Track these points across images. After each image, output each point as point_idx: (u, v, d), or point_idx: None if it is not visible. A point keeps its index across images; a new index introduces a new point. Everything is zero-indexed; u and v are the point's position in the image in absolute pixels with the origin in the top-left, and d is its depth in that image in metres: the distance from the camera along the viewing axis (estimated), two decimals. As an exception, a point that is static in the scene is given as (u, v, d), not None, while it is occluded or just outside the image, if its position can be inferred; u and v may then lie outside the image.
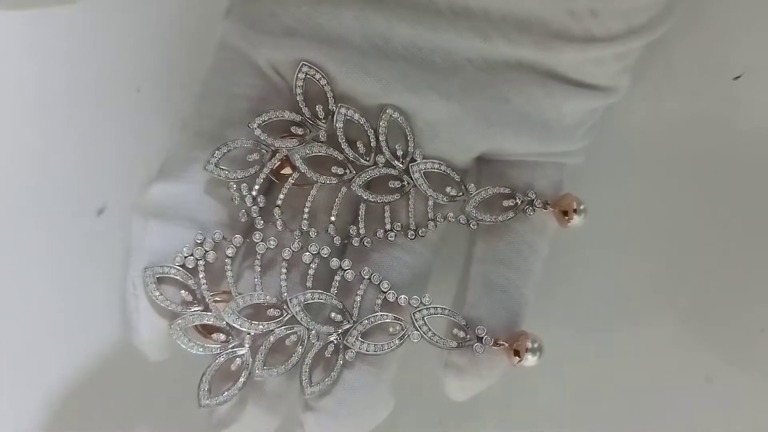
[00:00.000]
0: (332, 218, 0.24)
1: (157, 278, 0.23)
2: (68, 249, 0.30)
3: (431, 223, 0.24)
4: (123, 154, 0.30)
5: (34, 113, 0.31)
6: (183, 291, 0.23)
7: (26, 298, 0.30)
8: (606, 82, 0.24)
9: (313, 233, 0.24)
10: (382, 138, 0.23)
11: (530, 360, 0.23)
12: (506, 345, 0.23)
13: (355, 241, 0.24)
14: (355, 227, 0.24)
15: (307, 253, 0.23)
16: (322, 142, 0.24)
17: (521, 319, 0.24)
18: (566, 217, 0.24)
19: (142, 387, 0.29)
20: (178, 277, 0.23)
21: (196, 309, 0.23)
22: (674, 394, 0.28)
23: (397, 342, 0.23)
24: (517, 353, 0.23)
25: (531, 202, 0.24)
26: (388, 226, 0.24)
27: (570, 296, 0.28)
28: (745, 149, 0.29)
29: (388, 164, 0.24)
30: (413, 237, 0.24)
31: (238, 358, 0.23)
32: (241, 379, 0.23)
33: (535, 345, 0.23)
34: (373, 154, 0.24)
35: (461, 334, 0.23)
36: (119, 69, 0.31)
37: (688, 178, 0.28)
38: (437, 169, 0.24)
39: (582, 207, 0.24)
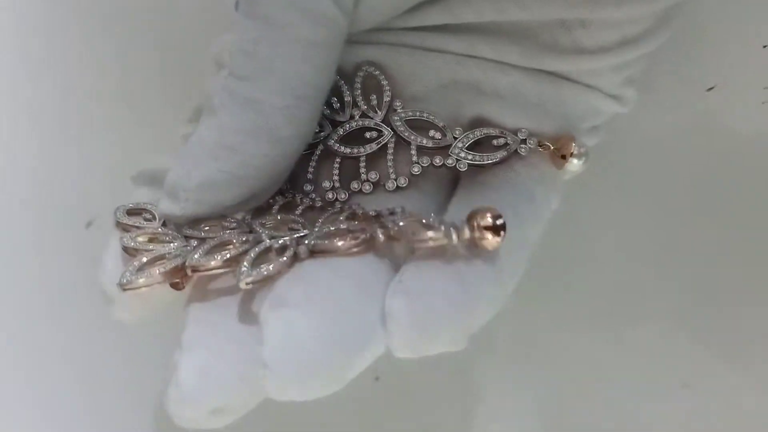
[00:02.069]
0: (308, 176, 0.23)
1: (127, 211, 0.22)
2: (57, 262, 0.30)
3: (416, 166, 0.22)
4: (112, 166, 0.30)
5: (22, 126, 0.31)
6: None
7: (15, 310, 0.30)
8: (608, 91, 0.23)
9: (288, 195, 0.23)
10: (357, 92, 0.23)
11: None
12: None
13: (330, 195, 0.23)
14: (329, 182, 0.23)
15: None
16: None
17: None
18: (564, 160, 0.22)
19: (138, 399, 0.29)
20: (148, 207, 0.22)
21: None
22: (653, 397, 0.29)
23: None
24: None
25: (524, 141, 0.22)
26: (363, 177, 0.23)
27: (559, 297, 0.29)
28: (721, 158, 0.29)
29: (364, 116, 0.23)
30: (392, 188, 0.23)
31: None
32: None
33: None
34: (348, 109, 0.23)
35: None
36: (110, 83, 0.31)
37: (665, 191, 0.29)
38: (419, 116, 0.23)
39: (582, 150, 0.22)
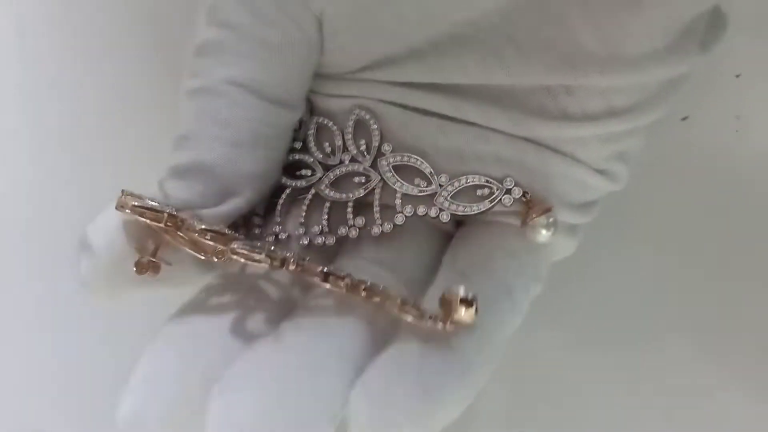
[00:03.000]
0: (301, 220, 0.23)
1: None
2: (55, 301, 0.30)
3: (399, 216, 0.22)
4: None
5: (18, 165, 0.32)
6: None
7: (14, 351, 0.31)
8: (595, 165, 0.22)
9: (282, 235, 0.23)
10: (348, 136, 0.23)
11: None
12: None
13: (319, 240, 0.23)
14: (317, 226, 0.23)
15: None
16: (294, 148, 0.24)
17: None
18: (524, 225, 0.22)
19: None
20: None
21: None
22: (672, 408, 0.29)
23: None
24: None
25: (508, 191, 0.22)
26: (350, 222, 0.23)
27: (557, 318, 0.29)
28: (695, 186, 0.30)
29: (353, 160, 0.23)
30: (377, 234, 0.23)
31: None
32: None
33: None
34: (339, 153, 0.23)
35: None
36: (105, 120, 0.31)
37: (640, 219, 0.30)
38: (407, 162, 0.23)
39: (551, 220, 0.22)
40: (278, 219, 0.23)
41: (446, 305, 0.19)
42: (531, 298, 0.22)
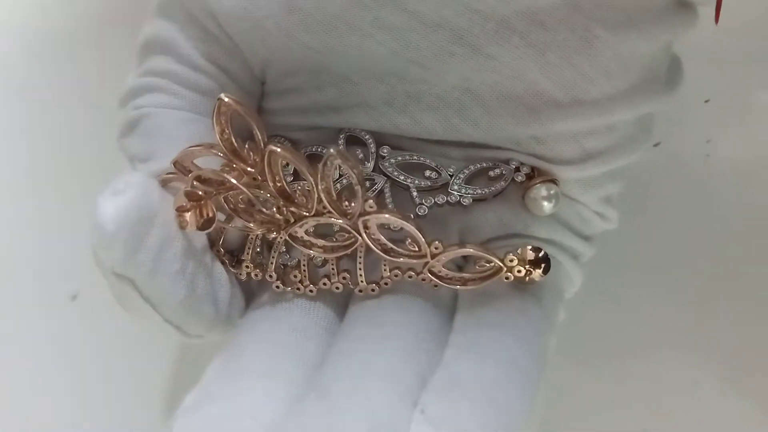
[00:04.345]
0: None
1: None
2: (42, 335, 0.30)
3: (421, 208, 0.21)
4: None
5: (4, 197, 0.32)
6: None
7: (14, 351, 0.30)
8: (592, 207, 0.23)
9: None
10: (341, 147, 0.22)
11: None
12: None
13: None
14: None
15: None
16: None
17: None
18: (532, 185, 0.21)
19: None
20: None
21: None
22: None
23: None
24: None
25: (517, 169, 0.22)
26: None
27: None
28: (668, 211, 0.31)
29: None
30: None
31: None
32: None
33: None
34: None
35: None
36: (89, 153, 0.32)
37: (616, 244, 0.30)
38: (409, 159, 0.22)
39: (552, 192, 0.21)
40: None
41: (520, 263, 0.20)
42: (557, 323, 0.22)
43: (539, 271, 0.20)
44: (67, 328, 0.30)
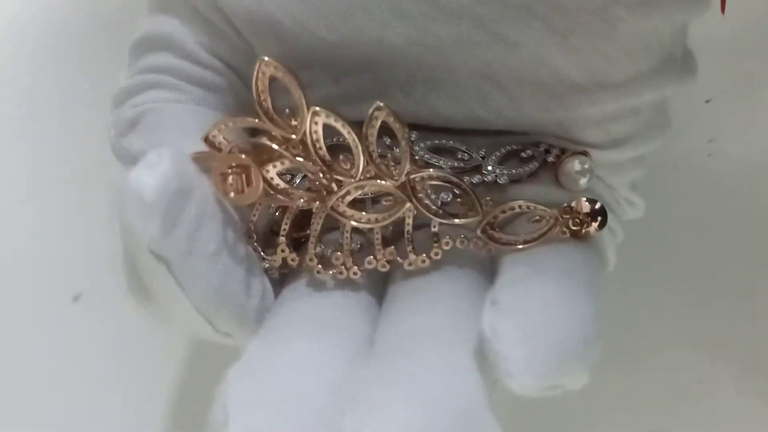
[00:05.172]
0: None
1: None
2: (44, 336, 0.30)
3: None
4: (98, 240, 0.31)
5: (5, 198, 0.32)
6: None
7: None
8: (623, 194, 0.23)
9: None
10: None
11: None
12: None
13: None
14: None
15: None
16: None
17: None
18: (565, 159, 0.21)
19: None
20: None
21: None
22: None
23: None
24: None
25: (548, 150, 0.21)
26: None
27: None
28: (669, 211, 0.30)
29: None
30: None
31: None
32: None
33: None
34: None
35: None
36: (91, 156, 0.31)
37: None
38: (439, 143, 0.21)
39: (586, 167, 0.21)
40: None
41: (574, 217, 0.19)
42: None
43: (595, 225, 0.19)
44: (69, 330, 0.30)
